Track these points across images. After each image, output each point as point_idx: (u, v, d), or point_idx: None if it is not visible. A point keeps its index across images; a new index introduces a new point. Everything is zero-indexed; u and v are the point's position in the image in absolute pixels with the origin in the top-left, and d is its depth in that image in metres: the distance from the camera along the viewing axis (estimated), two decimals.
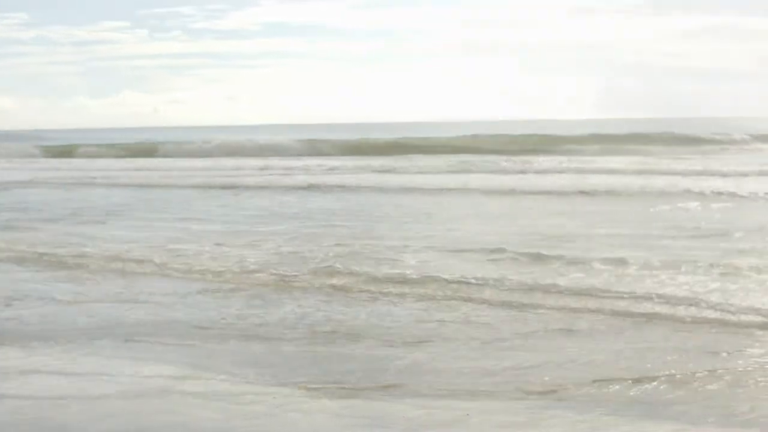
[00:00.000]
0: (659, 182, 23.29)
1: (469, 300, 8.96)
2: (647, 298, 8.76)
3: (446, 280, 9.72)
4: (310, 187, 22.91)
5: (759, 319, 8.03)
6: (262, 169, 31.55)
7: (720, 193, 20.20)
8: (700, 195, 20.04)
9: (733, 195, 20.09)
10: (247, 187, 23.45)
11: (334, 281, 9.94)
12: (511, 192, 21.42)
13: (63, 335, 7.83)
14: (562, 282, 9.54)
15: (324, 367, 6.87)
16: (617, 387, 6.37)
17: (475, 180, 24.90)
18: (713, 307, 8.39)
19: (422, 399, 6.11)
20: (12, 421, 5.72)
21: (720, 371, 6.62)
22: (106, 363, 6.98)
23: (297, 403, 6.05)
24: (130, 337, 7.78)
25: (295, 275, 10.27)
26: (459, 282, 9.64)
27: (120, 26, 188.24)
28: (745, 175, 26.03)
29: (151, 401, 6.04)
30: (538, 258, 10.99)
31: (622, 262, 10.56)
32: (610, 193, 20.88)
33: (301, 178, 26.13)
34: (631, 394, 6.26)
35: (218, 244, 12.68)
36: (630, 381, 6.45)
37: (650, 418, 5.77)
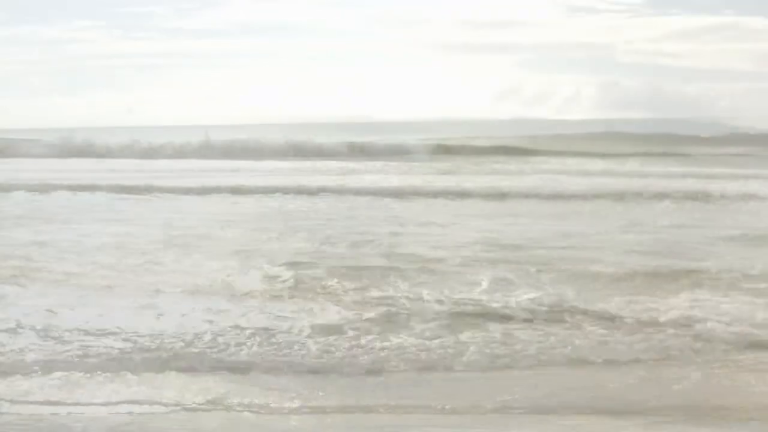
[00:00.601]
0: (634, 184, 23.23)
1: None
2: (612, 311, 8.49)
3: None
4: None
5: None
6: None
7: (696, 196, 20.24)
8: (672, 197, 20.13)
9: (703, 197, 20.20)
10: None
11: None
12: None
13: None
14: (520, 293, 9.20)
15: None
16: (585, 384, 6.37)
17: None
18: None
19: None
20: None
21: (689, 370, 6.76)
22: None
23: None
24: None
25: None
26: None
27: (93, 25, 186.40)
28: (717, 177, 25.97)
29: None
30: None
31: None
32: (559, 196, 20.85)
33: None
34: (599, 392, 6.27)
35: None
36: (598, 381, 6.50)
37: (619, 414, 5.80)
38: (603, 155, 37.52)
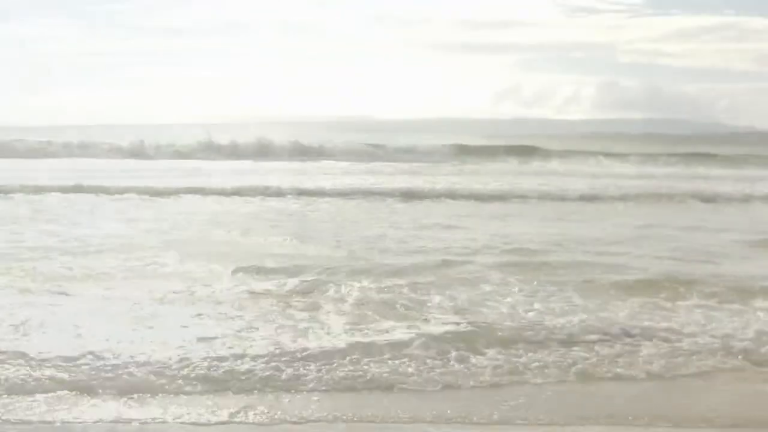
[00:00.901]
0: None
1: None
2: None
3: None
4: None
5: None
6: None
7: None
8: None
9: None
10: None
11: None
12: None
13: None
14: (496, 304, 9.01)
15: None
16: (556, 390, 6.46)
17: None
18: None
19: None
20: None
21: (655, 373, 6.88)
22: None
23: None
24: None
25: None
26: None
27: (60, 23, 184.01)
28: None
29: None
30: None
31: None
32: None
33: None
34: (568, 395, 6.36)
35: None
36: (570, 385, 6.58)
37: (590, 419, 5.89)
38: (603, 155, 37.54)
